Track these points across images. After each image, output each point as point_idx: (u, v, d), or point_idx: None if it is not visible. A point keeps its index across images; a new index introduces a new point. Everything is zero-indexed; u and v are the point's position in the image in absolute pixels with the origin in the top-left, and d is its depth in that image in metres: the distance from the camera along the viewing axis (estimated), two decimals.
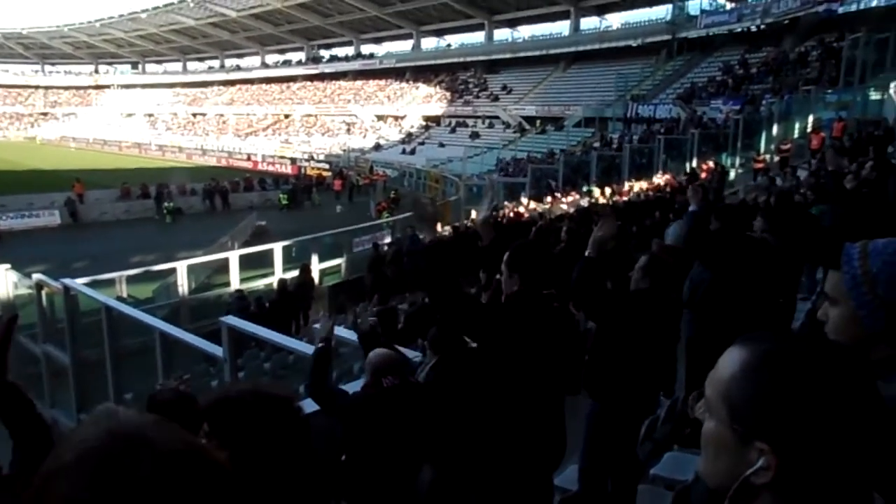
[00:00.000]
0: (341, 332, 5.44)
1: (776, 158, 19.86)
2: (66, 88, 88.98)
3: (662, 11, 41.01)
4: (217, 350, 5.87)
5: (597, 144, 32.27)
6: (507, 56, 50.63)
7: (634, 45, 41.24)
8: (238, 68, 77.68)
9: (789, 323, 4.77)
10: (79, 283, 8.73)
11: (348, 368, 6.69)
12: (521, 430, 2.55)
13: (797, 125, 23.26)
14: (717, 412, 0.90)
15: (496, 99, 48.38)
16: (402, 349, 4.21)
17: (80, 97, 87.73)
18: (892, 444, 0.84)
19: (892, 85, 19.50)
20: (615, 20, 46.16)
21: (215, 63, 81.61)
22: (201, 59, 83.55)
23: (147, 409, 2.64)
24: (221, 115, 70.62)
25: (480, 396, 2.59)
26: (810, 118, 22.16)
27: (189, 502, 0.66)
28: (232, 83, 75.48)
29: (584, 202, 17.89)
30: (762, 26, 34.47)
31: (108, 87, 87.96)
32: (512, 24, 52.26)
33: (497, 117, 46.44)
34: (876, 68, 22.82)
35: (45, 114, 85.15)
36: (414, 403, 3.06)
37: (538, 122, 42.79)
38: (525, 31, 52.77)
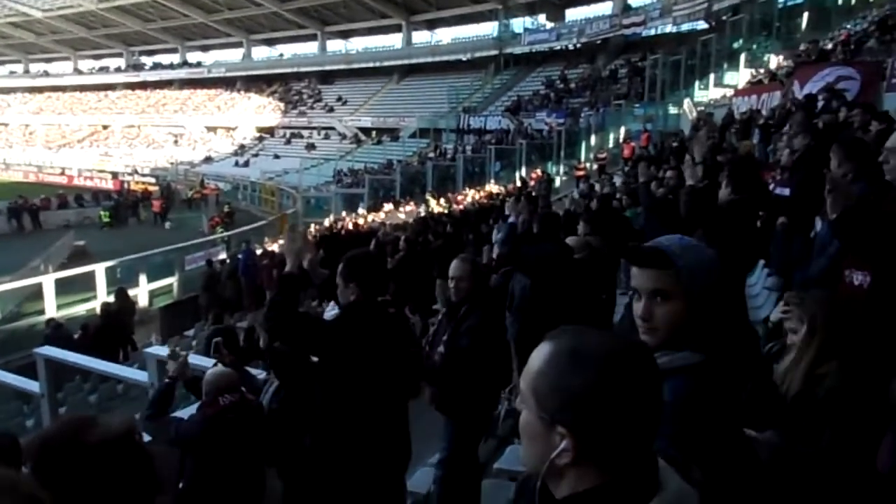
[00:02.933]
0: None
1: (594, 166, 21.54)
2: None
3: (489, 28, 43.00)
4: (33, 385, 5.39)
5: (432, 155, 33.14)
6: (342, 67, 50.52)
7: (464, 59, 42.89)
8: (46, 74, 70.64)
9: (611, 316, 5.24)
10: None
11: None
12: (368, 437, 2.61)
13: (611, 136, 25.40)
14: (528, 403, 1.01)
15: (331, 110, 48.09)
16: (247, 368, 4.15)
17: None
18: (659, 417, 1.02)
19: (685, 101, 21.91)
20: (445, 35, 47.74)
21: (18, 67, 73.60)
22: (1, 63, 75.07)
23: None
24: (27, 126, 63.90)
25: (327, 409, 2.62)
26: (622, 129, 24.31)
27: None
28: (40, 90, 68.46)
29: (422, 211, 18.33)
30: (578, 45, 37.27)
31: None
32: (345, 35, 52.23)
33: (333, 128, 46.19)
34: (673, 86, 25.52)
35: None
36: (253, 420, 3.06)
37: (374, 133, 43.14)
38: (358, 44, 53.00)
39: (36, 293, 14.13)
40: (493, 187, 20.49)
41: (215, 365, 3.56)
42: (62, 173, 46.80)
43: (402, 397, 2.83)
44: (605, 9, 36.78)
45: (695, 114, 19.49)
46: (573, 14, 39.59)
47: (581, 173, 20.95)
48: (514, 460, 4.20)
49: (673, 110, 23.42)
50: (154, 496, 1.46)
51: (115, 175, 44.25)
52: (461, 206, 17.63)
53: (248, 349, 7.55)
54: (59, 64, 70.72)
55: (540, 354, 1.02)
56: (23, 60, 72.04)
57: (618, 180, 15.87)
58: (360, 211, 20.55)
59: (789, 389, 2.10)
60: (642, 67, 30.34)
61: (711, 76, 23.82)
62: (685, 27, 30.97)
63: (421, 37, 48.13)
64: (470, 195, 19.51)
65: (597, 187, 15.96)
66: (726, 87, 22.02)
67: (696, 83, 24.33)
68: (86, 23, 59.53)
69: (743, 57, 22.64)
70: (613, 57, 35.92)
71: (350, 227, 16.45)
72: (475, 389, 3.39)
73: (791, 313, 2.29)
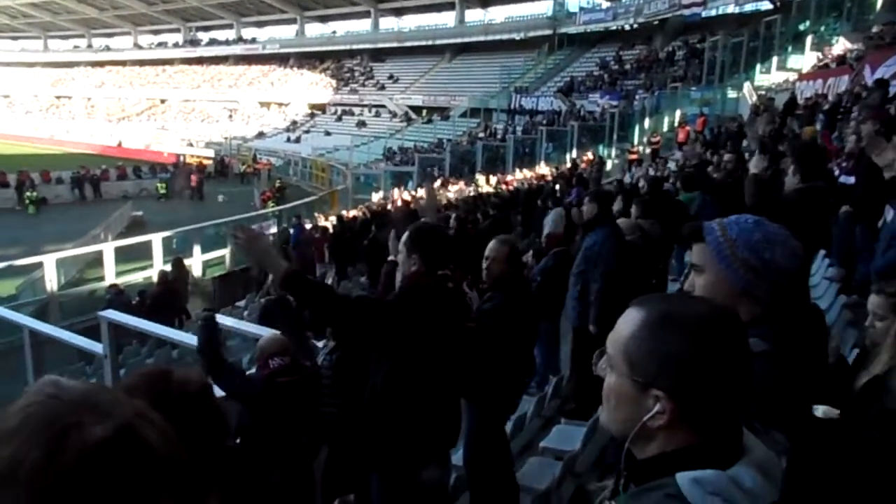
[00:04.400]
0: (228, 321, 5.36)
1: (648, 150, 21.13)
2: None
3: (544, 7, 42.38)
4: (96, 347, 5.61)
5: (482, 135, 32.97)
6: (394, 45, 50.49)
7: (517, 38, 42.35)
8: (108, 49, 72.58)
9: None
10: None
11: (237, 360, 6.57)
12: (423, 411, 2.62)
13: (666, 119, 24.83)
14: (618, 367, 1.03)
15: (382, 88, 48.20)
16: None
17: None
18: (753, 384, 1.02)
19: (745, 85, 21.24)
20: (499, 14, 47.20)
21: (82, 42, 75.80)
22: (65, 38, 77.31)
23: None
24: (90, 99, 65.88)
25: (382, 380, 2.65)
26: (677, 113, 23.74)
27: (137, 466, 0.67)
28: (101, 64, 70.45)
29: (470, 191, 18.29)
30: (635, 25, 36.40)
31: None
32: (398, 13, 52.16)
33: (383, 106, 46.31)
34: (732, 68, 24.74)
35: None
36: (303, 385, 3.12)
37: (424, 111, 43.09)
38: (410, 21, 52.87)
39: (96, 260, 14.63)
40: (543, 169, 20.30)
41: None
42: (120, 145, 48.12)
43: (458, 371, 2.83)
44: None
45: (755, 98, 18.89)
46: None
47: (634, 157, 20.59)
48: (560, 440, 4.21)
49: (732, 94, 22.74)
50: (224, 440, 1.54)
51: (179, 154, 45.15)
52: (510, 187, 17.54)
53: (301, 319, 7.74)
54: (119, 39, 72.60)
55: (630, 319, 1.04)
56: (86, 35, 74.17)
57: (672, 165, 15.57)
58: (410, 187, 20.63)
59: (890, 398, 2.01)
60: (701, 49, 29.50)
61: (774, 59, 23.01)
62: (748, 7, 29.93)
63: (474, 15, 47.71)
64: (519, 176, 19.36)
65: (650, 171, 15.70)
66: (790, 70, 21.25)
67: (758, 66, 23.56)
68: None
69: (809, 39, 21.78)
70: (671, 38, 34.97)
71: (399, 204, 16.53)
72: (490, 374, 3.34)
73: (880, 306, 2.21)
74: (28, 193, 27.14)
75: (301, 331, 3.93)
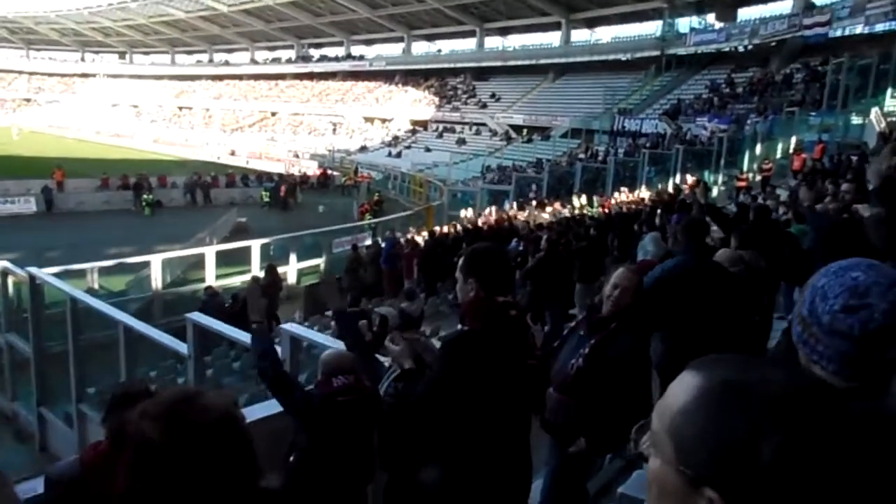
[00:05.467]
0: (308, 333, 5.31)
1: (758, 178, 20.01)
2: (51, 75, 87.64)
3: (652, 28, 41.36)
4: (183, 347, 5.73)
5: (582, 156, 32.39)
6: (497, 64, 50.75)
7: (623, 59, 41.53)
8: (227, 63, 77.13)
9: (765, 342, 4.71)
10: (46, 272, 8.51)
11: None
12: (487, 451, 2.41)
13: (780, 146, 23.46)
14: (663, 449, 0.77)
15: (484, 106, 48.44)
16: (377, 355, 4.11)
17: (65, 84, 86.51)
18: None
19: (873, 111, 19.74)
20: (605, 34, 46.56)
21: (204, 57, 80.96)
22: (190, 53, 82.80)
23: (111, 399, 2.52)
24: (208, 110, 70.01)
25: (442, 412, 2.45)
26: (793, 139, 22.37)
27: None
28: (220, 78, 74.92)
29: (566, 212, 17.88)
30: (749, 47, 34.83)
31: (93, 75, 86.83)
32: (503, 32, 52.41)
33: (484, 124, 46.51)
34: (858, 93, 23.11)
35: (27, 100, 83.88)
36: (363, 405, 2.97)
37: (525, 131, 42.92)
38: (515, 41, 53.01)
39: (199, 262, 15.28)
40: (643, 192, 19.60)
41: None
42: (233, 154, 50.71)
43: (523, 413, 2.58)
44: (784, 7, 34.21)
45: (884, 125, 17.50)
46: (746, 13, 37.16)
47: (742, 184, 19.49)
48: (641, 487, 3.86)
49: (856, 120, 21.20)
50: (256, 479, 1.37)
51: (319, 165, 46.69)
52: (607, 210, 17.01)
53: (380, 335, 7.67)
54: (238, 54, 77.01)
55: (685, 388, 0.76)
56: (208, 51, 79.22)
57: (783, 194, 14.62)
58: (505, 207, 20.43)
59: None
60: (823, 72, 27.80)
61: None
62: (879, 27, 27.87)
63: (580, 35, 47.26)
64: (618, 199, 18.76)
65: (760, 200, 14.78)
66: None
67: (889, 91, 21.85)
68: (264, 16, 64.13)
69: None
70: (789, 60, 33.18)
71: (492, 222, 16.36)
72: (606, 422, 3.05)
73: None
74: (145, 196, 28.92)
75: (370, 348, 3.78)
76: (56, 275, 9.08)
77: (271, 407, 3.41)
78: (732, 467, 0.70)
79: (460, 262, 2.52)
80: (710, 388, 0.74)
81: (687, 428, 0.74)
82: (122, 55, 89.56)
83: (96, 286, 13.12)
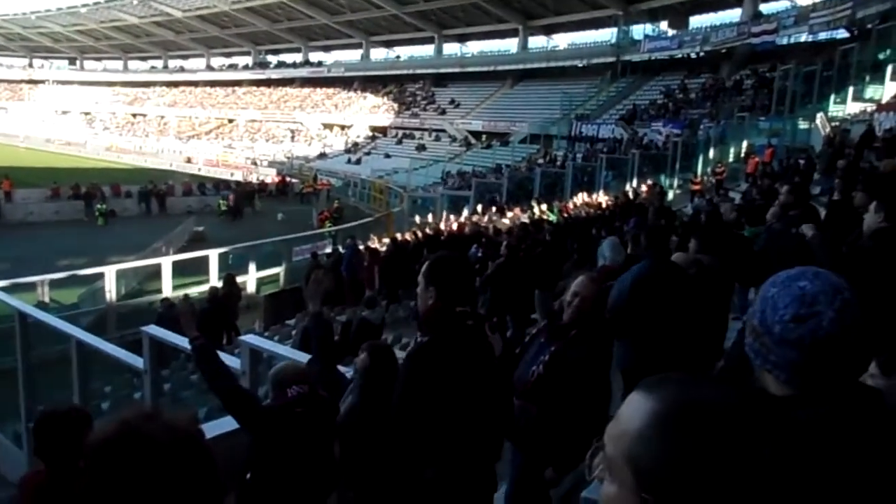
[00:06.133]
0: (267, 345, 5.24)
1: (712, 181, 20.47)
2: None
3: (608, 35, 42.04)
4: (138, 362, 5.58)
5: (541, 161, 32.68)
6: (456, 70, 50.97)
7: (580, 65, 42.18)
8: (182, 69, 75.75)
9: (721, 342, 4.81)
10: None
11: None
12: (454, 462, 2.40)
13: (731, 150, 24.06)
14: (621, 475, 0.75)
15: (443, 112, 48.59)
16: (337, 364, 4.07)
17: (12, 91, 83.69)
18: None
19: (818, 116, 20.40)
20: (562, 40, 47.12)
21: (158, 63, 79.37)
22: (143, 59, 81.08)
23: (35, 426, 2.43)
24: (163, 117, 68.66)
25: (409, 426, 2.43)
26: (744, 143, 22.95)
27: None
28: (175, 84, 73.50)
29: (526, 218, 18.00)
30: (701, 53, 35.70)
31: (42, 82, 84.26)
32: (461, 38, 52.70)
33: (444, 130, 46.64)
34: (804, 99, 23.84)
35: None
36: (322, 415, 2.93)
37: (484, 136, 43.19)
38: (474, 47, 53.34)
39: (155, 273, 14.99)
40: (601, 197, 19.87)
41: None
42: (189, 161, 49.83)
43: (488, 423, 2.57)
44: (733, 16, 35.10)
45: (829, 129, 18.09)
46: (697, 21, 38.15)
47: (697, 187, 19.95)
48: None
49: (803, 125, 21.86)
50: (220, 498, 1.33)
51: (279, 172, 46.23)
52: (566, 214, 17.18)
53: (341, 344, 7.60)
54: (193, 60, 75.85)
55: (639, 411, 0.75)
56: (162, 57, 77.73)
57: (736, 196, 14.98)
58: (465, 213, 20.47)
59: None
60: (770, 78, 28.62)
61: (850, 89, 22.02)
62: (822, 36, 28.93)
63: (537, 42, 47.80)
64: (577, 203, 18.97)
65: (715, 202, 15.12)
66: (867, 101, 20.30)
67: (832, 97, 22.60)
68: (219, 22, 63.28)
69: (890, 69, 20.78)
70: (739, 67, 34.13)
71: (453, 228, 16.38)
72: (567, 428, 3.06)
73: None
74: (98, 206, 28.21)
75: (332, 358, 3.75)
76: (3, 288, 8.80)
77: (228, 423, 3.35)
78: (696, 492, 0.70)
79: (422, 269, 2.52)
80: (665, 412, 0.73)
81: (645, 454, 0.72)
82: (72, 61, 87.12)
83: (47, 300, 12.75)
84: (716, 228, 7.64)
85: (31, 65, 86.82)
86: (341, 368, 4.15)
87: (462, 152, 42.42)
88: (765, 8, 33.64)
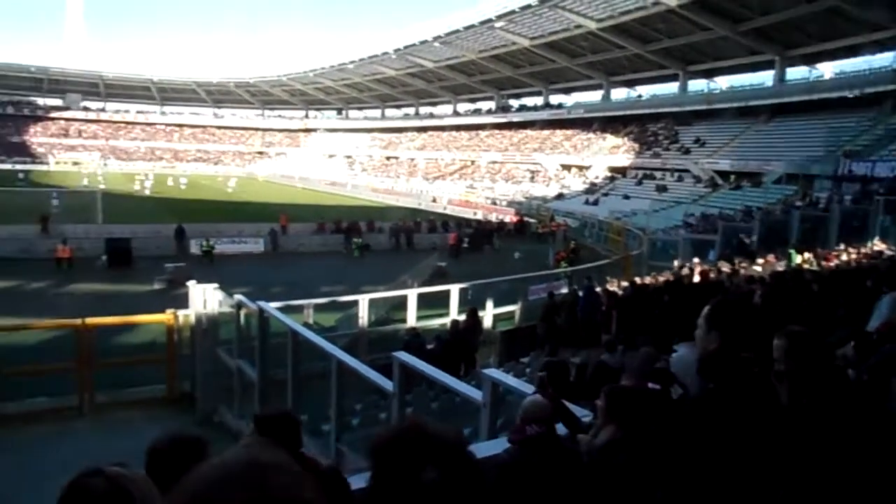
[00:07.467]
0: (509, 380, 5.28)
1: None
2: (280, 131, 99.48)
3: (887, 59, 37.21)
4: (388, 384, 5.96)
5: (799, 203, 29.63)
6: (702, 108, 48.55)
7: (850, 95, 37.73)
8: (431, 115, 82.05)
9: None
10: (272, 306, 9.37)
11: (513, 416, 6.50)
12: None
13: None
14: None
15: (687, 152, 46.43)
16: (570, 405, 3.95)
17: (291, 139, 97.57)
18: None
19: None
20: (827, 69, 42.69)
21: (411, 110, 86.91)
22: (398, 107, 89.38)
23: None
24: (413, 159, 74.65)
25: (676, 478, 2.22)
26: None
27: None
28: (424, 129, 79.77)
29: (781, 266, 16.33)
30: None
31: (314, 130, 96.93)
32: (708, 74, 50.20)
33: (687, 171, 44.50)
34: None
35: (260, 153, 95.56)
36: (560, 458, 2.81)
37: (732, 177, 40.38)
38: (721, 82, 50.46)
39: (401, 303, 16.03)
40: (878, 245, 17.41)
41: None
42: (434, 201, 53.28)
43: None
44: None
45: None
46: None
47: None
48: None
49: None
50: None
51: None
52: (832, 265, 15.27)
53: (576, 384, 7.43)
54: (441, 107, 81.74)
55: None
56: (414, 104, 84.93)
57: None
58: (710, 259, 19.21)
59: None
60: None
61: None
62: None
63: (797, 72, 43.85)
64: (845, 253, 16.80)
65: None
66: None
67: None
68: (466, 70, 67.45)
69: None
70: None
71: (697, 276, 15.39)
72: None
73: None
74: (355, 240, 31.24)
75: (569, 398, 3.64)
76: (279, 309, 9.98)
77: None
78: None
79: (704, 311, 2.38)
80: None
81: None
82: (339, 111, 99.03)
83: (311, 321, 14.23)
84: None
85: (306, 115, 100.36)
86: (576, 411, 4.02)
87: (707, 193, 40.06)
88: None
